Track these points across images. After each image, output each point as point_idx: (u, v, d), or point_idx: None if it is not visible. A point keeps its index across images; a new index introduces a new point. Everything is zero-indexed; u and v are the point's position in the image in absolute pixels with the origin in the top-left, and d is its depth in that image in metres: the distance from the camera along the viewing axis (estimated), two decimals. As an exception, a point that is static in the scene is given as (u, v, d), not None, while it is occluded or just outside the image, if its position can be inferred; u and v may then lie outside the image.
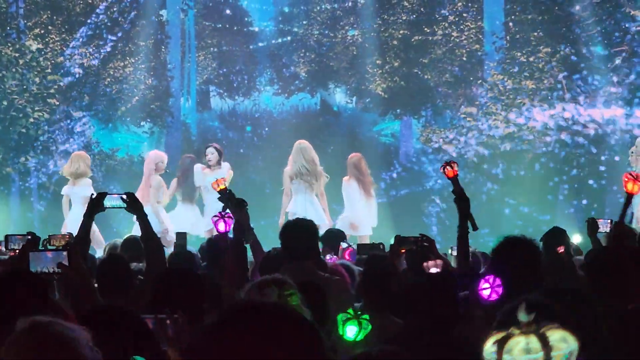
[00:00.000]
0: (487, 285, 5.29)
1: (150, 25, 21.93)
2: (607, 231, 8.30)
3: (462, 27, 21.52)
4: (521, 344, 1.90)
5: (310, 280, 5.22)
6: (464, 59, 21.41)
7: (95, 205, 6.50)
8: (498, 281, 5.33)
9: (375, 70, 22.17)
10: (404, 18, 21.89)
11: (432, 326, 5.01)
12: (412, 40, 21.78)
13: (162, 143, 22.23)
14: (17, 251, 7.22)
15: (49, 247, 7.05)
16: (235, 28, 24.85)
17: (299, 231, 6.67)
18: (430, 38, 21.72)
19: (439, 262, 7.00)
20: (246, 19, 25.08)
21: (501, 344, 1.92)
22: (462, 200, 7.04)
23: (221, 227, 7.30)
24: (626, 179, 8.00)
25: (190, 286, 4.92)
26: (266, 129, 24.35)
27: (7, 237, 8.15)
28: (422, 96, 21.84)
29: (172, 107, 22.85)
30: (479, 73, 21.35)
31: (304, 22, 24.00)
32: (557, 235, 7.75)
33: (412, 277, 6.65)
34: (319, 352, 2.01)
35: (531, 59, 19.78)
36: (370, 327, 4.34)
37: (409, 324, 5.32)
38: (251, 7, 25.18)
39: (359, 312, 4.47)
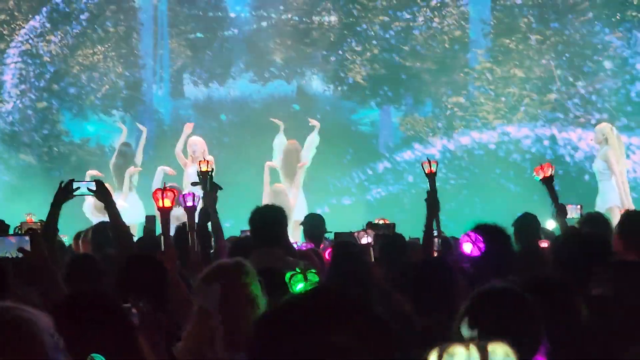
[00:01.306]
0: (468, 241, 5.49)
1: (120, 11, 21.29)
2: (577, 216, 8.43)
3: (444, 12, 20.89)
4: (463, 354, 1.91)
5: (275, 267, 5.19)
6: (446, 45, 20.77)
7: (63, 193, 6.40)
8: (479, 238, 5.54)
9: (354, 57, 21.56)
10: (384, 3, 21.23)
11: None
12: (392, 25, 21.12)
13: (133, 132, 21.66)
14: None
15: (10, 234, 7.08)
16: (209, 14, 24.31)
17: (268, 217, 6.65)
18: (411, 24, 21.10)
19: (369, 231, 7.59)
20: (221, 4, 24.55)
21: (442, 350, 1.92)
22: (433, 201, 7.28)
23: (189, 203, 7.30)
24: (535, 172, 8.28)
25: (153, 272, 4.97)
26: (241, 117, 23.82)
27: None
28: (403, 84, 21.23)
29: (144, 95, 22.29)
30: (461, 61, 20.74)
31: (280, 8, 23.49)
32: (528, 222, 7.92)
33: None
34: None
35: (521, 46, 19.18)
36: (316, 279, 4.32)
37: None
38: (226, -8, 24.71)
39: (306, 269, 4.48)
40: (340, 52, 21.88)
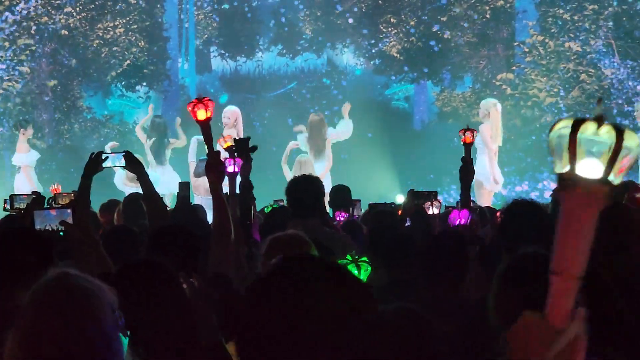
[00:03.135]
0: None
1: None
2: None
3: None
4: (593, 129, 1.80)
5: (315, 238, 5.12)
6: (488, 16, 19.59)
7: (93, 165, 6.25)
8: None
9: (389, 29, 20.53)
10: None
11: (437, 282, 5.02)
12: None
13: (159, 108, 20.97)
14: (22, 210, 7.36)
15: (54, 206, 7.34)
16: None
17: (303, 188, 6.64)
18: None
19: (436, 203, 7.62)
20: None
21: (575, 126, 1.79)
22: (467, 170, 7.18)
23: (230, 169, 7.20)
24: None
25: (181, 243, 4.87)
26: (271, 91, 23.12)
27: (12, 196, 8.25)
28: (441, 58, 20.18)
29: (169, 70, 21.56)
30: (503, 33, 19.63)
31: None
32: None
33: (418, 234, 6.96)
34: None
35: (576, 17, 17.90)
36: (370, 269, 4.35)
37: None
38: (254, -39, 23.88)
39: (357, 257, 4.47)
40: (373, 24, 20.85)
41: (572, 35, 17.70)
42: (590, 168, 1.79)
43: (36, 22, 18.42)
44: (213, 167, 5.54)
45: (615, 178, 1.79)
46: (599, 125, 1.80)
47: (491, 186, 14.76)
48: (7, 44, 18.07)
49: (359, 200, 10.26)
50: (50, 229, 5.35)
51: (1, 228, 6.47)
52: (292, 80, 23.42)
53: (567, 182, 1.80)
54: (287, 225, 6.18)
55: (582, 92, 17.69)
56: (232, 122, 14.98)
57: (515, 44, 19.01)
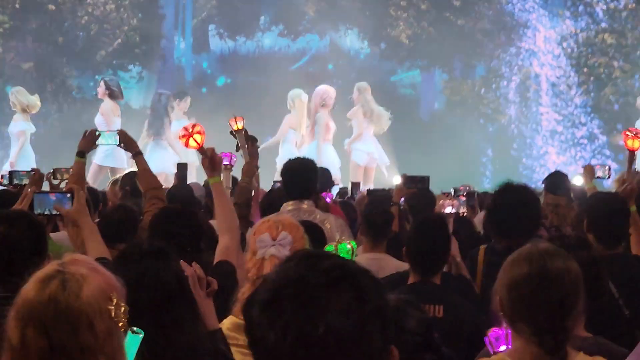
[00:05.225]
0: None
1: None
2: (602, 176, 8.65)
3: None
4: None
5: (308, 220, 5.37)
6: (503, 1, 18.57)
7: (86, 142, 6.60)
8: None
9: (398, 12, 19.48)
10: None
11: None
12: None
13: (152, 90, 20.09)
14: (19, 187, 7.51)
15: (53, 181, 7.68)
16: None
17: (297, 170, 6.80)
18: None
19: (455, 202, 7.50)
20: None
21: None
22: None
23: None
24: (625, 136, 8.36)
25: (187, 225, 4.95)
26: (269, 74, 22.18)
27: (11, 173, 8.26)
28: (454, 45, 19.17)
29: (164, 49, 20.62)
30: (522, 19, 18.59)
31: None
32: (558, 179, 8.46)
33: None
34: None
35: (611, 5, 16.82)
36: (348, 248, 4.36)
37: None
38: None
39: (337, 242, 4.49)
40: (381, 6, 19.83)
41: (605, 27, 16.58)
42: None
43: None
44: (211, 162, 5.54)
45: None
46: None
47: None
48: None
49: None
50: (50, 214, 5.34)
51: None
52: (293, 63, 22.55)
53: None
54: (283, 206, 6.53)
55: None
56: (331, 103, 15.23)
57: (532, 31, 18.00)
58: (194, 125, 6.13)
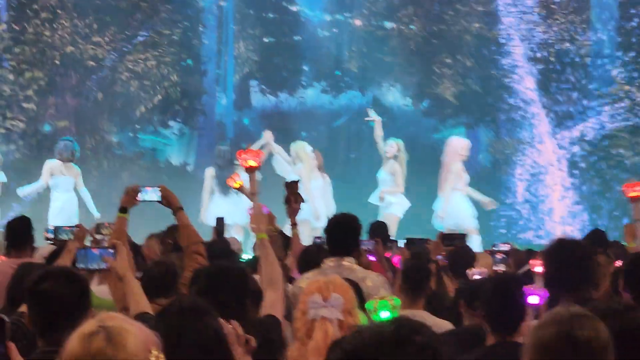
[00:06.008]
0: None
1: (178, 11, 19.50)
2: None
3: (552, 18, 18.12)
4: None
5: (346, 278, 5.21)
6: (551, 59, 18.12)
7: (128, 199, 6.71)
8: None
9: (443, 70, 19.21)
10: (479, 9, 18.70)
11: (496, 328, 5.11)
12: (489, 35, 18.59)
13: (193, 147, 19.99)
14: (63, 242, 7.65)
15: (97, 236, 7.84)
16: (279, 17, 22.65)
17: (341, 226, 6.82)
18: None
19: (484, 270, 7.49)
20: (292, 7, 22.78)
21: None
22: None
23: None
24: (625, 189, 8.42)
25: (234, 282, 4.90)
26: (311, 130, 22.01)
27: (56, 228, 8.44)
28: (499, 102, 18.81)
29: (205, 105, 20.45)
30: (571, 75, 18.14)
31: (356, 11, 21.82)
32: (597, 236, 8.62)
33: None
34: None
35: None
36: (399, 303, 4.60)
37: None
38: (297, -7, 23.41)
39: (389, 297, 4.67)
40: (424, 63, 19.60)
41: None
42: None
43: (61, 51, 17.44)
44: (258, 217, 5.80)
45: None
46: None
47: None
48: (11, 76, 17.09)
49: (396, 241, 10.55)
50: (95, 268, 5.50)
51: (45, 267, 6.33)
52: (336, 119, 22.37)
53: None
54: (323, 262, 6.58)
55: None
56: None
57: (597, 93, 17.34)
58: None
